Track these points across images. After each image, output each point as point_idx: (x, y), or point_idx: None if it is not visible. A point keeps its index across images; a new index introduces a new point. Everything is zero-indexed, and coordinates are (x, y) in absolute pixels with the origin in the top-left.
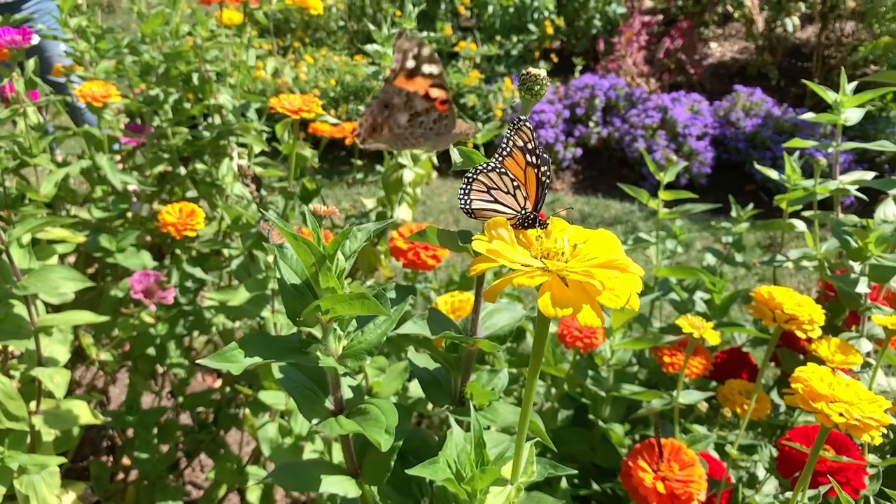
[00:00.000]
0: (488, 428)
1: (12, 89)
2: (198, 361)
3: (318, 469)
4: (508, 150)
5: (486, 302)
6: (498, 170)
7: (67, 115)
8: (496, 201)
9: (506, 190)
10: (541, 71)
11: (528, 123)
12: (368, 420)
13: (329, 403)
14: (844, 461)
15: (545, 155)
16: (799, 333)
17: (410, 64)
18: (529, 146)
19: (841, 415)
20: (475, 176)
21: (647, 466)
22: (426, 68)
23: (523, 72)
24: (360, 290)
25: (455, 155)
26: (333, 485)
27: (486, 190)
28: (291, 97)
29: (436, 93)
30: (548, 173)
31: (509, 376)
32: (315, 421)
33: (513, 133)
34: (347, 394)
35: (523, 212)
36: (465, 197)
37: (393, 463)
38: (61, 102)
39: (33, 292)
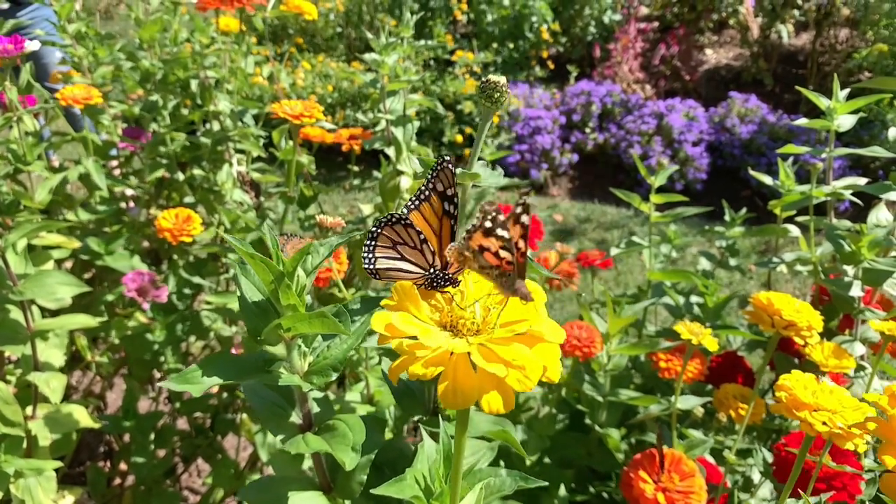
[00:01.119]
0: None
1: (4, 98)
2: (158, 384)
3: (289, 486)
4: (427, 193)
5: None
6: (403, 222)
7: (65, 121)
8: (402, 258)
9: (412, 245)
10: (500, 78)
11: (450, 166)
12: (336, 437)
13: (297, 418)
14: (843, 469)
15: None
16: (797, 340)
17: (488, 224)
18: (449, 192)
19: (824, 423)
20: (379, 230)
21: (648, 477)
22: (500, 232)
23: (482, 79)
24: (323, 308)
25: (416, 165)
26: (304, 501)
27: (391, 245)
28: (293, 103)
29: (504, 254)
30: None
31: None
32: (281, 438)
33: (434, 175)
34: (316, 407)
35: (432, 270)
36: (370, 255)
37: (367, 476)
38: (59, 108)
39: (30, 297)
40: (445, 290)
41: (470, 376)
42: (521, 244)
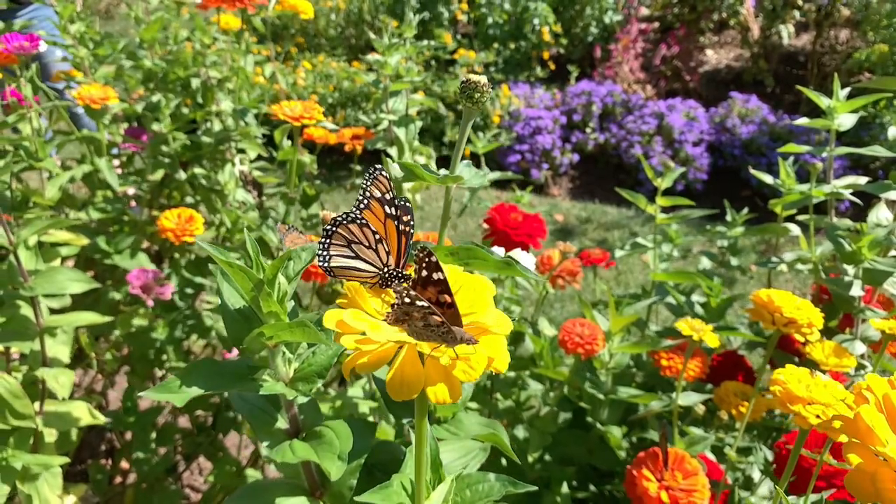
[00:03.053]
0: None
1: (14, 94)
2: (139, 395)
3: (277, 491)
4: (366, 201)
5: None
6: (359, 221)
7: (67, 121)
8: (357, 256)
9: (367, 244)
10: (481, 77)
11: (384, 172)
12: (322, 445)
13: (284, 424)
14: (844, 467)
15: (407, 204)
16: (798, 337)
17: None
18: (388, 196)
19: (818, 416)
20: (334, 229)
21: (652, 476)
22: (436, 276)
23: (462, 78)
24: (304, 316)
25: (395, 170)
26: None
27: (346, 244)
28: (293, 104)
29: (444, 298)
30: (411, 223)
31: (507, 379)
32: (267, 444)
33: (369, 183)
34: (303, 412)
35: (386, 268)
36: (325, 253)
37: (357, 480)
38: (63, 108)
39: (41, 293)
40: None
41: (416, 367)
42: (447, 298)
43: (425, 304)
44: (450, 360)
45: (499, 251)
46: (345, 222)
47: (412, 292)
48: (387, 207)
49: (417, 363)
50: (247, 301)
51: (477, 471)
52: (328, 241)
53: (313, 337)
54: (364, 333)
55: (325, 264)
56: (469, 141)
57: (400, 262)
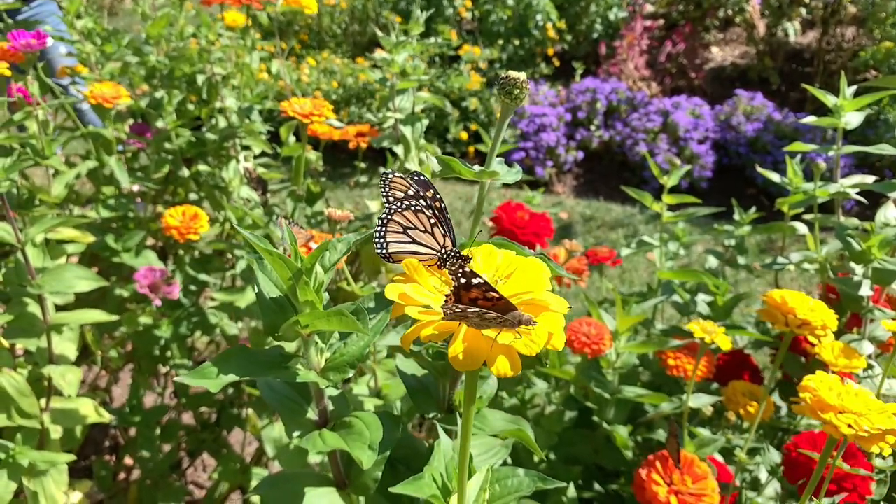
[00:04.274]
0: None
1: (20, 90)
2: (174, 380)
3: (304, 481)
4: (399, 204)
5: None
6: (414, 207)
7: (73, 117)
8: (414, 241)
9: (423, 229)
10: (520, 74)
11: (395, 173)
12: (352, 435)
13: (313, 414)
14: (857, 472)
15: (425, 178)
16: (811, 339)
17: (463, 281)
18: (410, 192)
19: (850, 426)
20: (390, 216)
21: (661, 480)
22: (475, 280)
23: (502, 75)
24: (341, 306)
25: (434, 164)
26: (318, 498)
27: (402, 230)
28: (302, 101)
29: (491, 294)
30: (437, 196)
31: (513, 379)
32: (297, 434)
33: (387, 188)
34: (332, 404)
35: (443, 250)
36: (381, 240)
37: (381, 473)
38: (68, 104)
39: (48, 291)
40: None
41: (479, 339)
42: (492, 293)
43: (482, 280)
44: (512, 339)
45: None
46: (400, 210)
47: (467, 269)
48: (413, 201)
49: (479, 336)
50: (282, 291)
51: (503, 465)
52: (384, 228)
53: (350, 326)
54: (428, 306)
55: (384, 250)
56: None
57: (450, 238)
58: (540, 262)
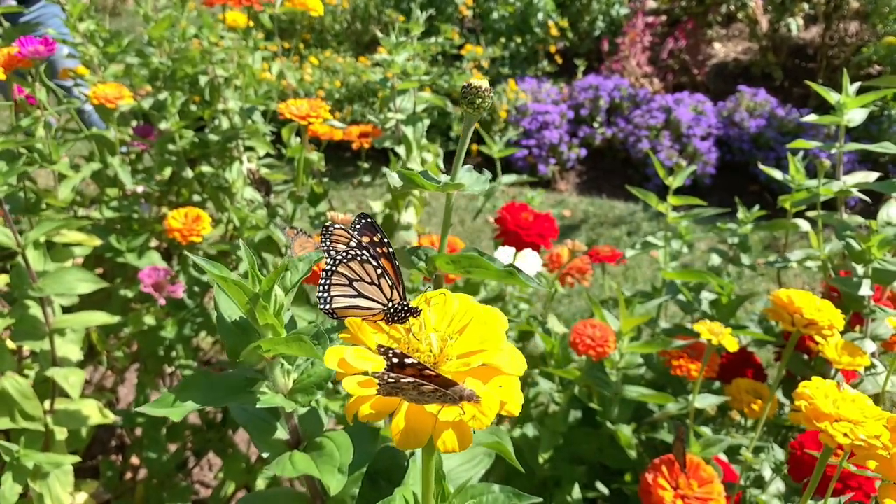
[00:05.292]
0: None
1: (22, 92)
2: (135, 409)
3: (280, 500)
4: (343, 254)
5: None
6: (360, 258)
7: (76, 119)
8: (360, 294)
9: (370, 280)
10: (482, 82)
11: (336, 226)
12: (323, 458)
13: (284, 434)
14: (863, 474)
15: (370, 220)
16: (818, 338)
17: (395, 360)
18: (352, 244)
19: (845, 435)
20: (334, 268)
21: (667, 484)
22: (408, 360)
23: (464, 83)
24: (301, 329)
25: (394, 180)
26: None
27: (348, 283)
28: (299, 102)
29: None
30: (385, 241)
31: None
32: (267, 455)
33: (329, 241)
34: (304, 422)
35: (390, 304)
36: (325, 294)
37: (360, 487)
38: (72, 107)
39: (49, 294)
40: (405, 322)
41: (421, 415)
42: (428, 372)
43: (410, 380)
44: (457, 416)
45: (509, 251)
46: (345, 260)
47: (391, 374)
48: (375, 248)
49: (422, 410)
50: (243, 314)
51: (480, 481)
52: (328, 281)
53: (309, 352)
54: (367, 373)
55: (328, 306)
56: (483, 143)
57: (400, 289)
58: (496, 313)
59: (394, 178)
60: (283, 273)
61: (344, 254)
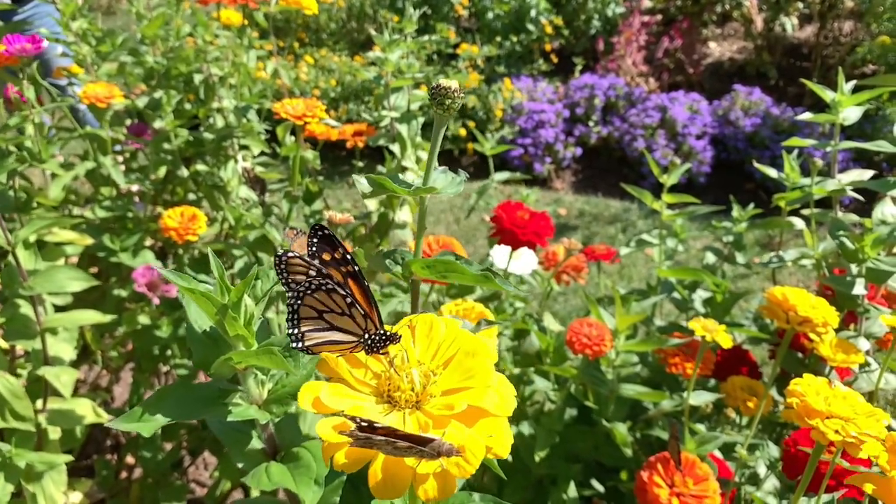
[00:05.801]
0: None
1: (18, 93)
2: (106, 424)
3: None
4: (307, 285)
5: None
6: (325, 287)
7: (70, 118)
8: (332, 327)
9: (340, 311)
10: (452, 82)
11: (290, 254)
12: (300, 469)
13: (260, 444)
14: (856, 469)
15: (327, 232)
16: (813, 336)
17: (364, 425)
18: (337, 256)
19: (837, 431)
20: (300, 302)
21: (662, 482)
22: (379, 425)
23: (433, 84)
24: (273, 340)
25: (363, 186)
26: None
27: (317, 315)
28: (294, 102)
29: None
30: (348, 256)
31: (513, 377)
32: (242, 466)
33: (285, 274)
34: (282, 431)
35: (366, 334)
36: (295, 331)
37: (342, 494)
38: (65, 105)
39: (39, 292)
40: (386, 351)
41: (399, 466)
42: (399, 433)
43: (383, 438)
44: (437, 468)
45: (505, 250)
46: (309, 291)
47: (360, 433)
48: (342, 267)
49: (400, 461)
50: (214, 324)
51: (460, 490)
52: (296, 317)
53: (280, 365)
54: (345, 415)
55: (300, 344)
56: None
57: (374, 315)
58: (485, 345)
59: (362, 184)
60: (253, 282)
61: (307, 284)
